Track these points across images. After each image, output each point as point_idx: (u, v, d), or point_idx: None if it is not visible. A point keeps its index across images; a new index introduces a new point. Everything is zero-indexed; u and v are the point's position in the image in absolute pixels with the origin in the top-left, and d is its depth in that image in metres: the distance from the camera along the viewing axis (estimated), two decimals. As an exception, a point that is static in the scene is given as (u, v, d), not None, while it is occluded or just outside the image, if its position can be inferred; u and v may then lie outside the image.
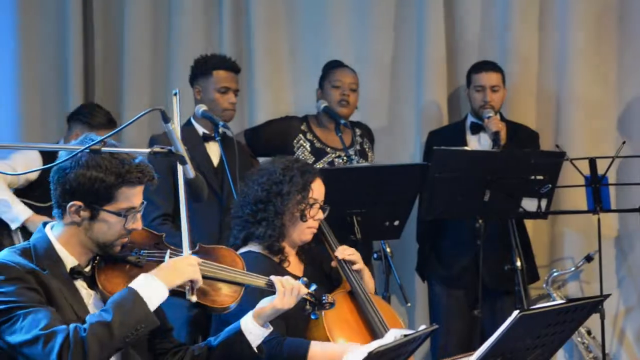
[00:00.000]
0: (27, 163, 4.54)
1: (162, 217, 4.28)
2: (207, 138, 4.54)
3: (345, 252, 3.65)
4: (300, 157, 4.92)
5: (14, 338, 2.65)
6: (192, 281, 2.80)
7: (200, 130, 4.57)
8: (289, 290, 3.00)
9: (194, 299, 2.81)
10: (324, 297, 3.09)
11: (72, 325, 2.63)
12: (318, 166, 4.89)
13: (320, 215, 3.59)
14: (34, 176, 4.74)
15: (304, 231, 3.57)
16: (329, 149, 5.01)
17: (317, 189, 3.58)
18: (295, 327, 3.41)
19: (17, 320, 2.63)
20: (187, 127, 4.51)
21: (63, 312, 2.71)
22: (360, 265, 3.66)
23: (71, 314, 2.73)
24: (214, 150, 4.55)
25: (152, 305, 2.72)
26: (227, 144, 4.50)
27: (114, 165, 2.74)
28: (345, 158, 4.90)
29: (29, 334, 2.61)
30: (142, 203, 2.83)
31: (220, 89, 4.56)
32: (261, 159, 4.70)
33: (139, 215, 2.84)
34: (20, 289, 2.66)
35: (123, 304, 2.68)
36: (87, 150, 2.65)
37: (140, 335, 2.72)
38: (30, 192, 4.77)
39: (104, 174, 2.73)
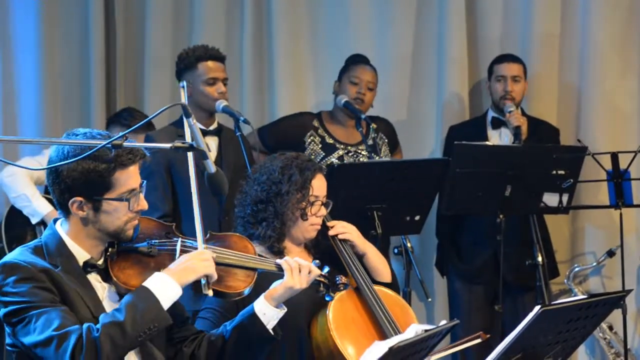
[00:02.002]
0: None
1: (162, 218, 4.25)
2: (204, 133, 4.50)
3: (337, 228, 3.59)
4: (311, 152, 4.91)
5: (28, 339, 2.66)
6: (207, 276, 2.80)
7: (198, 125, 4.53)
8: (296, 268, 2.99)
9: (210, 293, 2.81)
10: (337, 278, 3.09)
11: (85, 325, 2.64)
12: (326, 161, 4.88)
13: (323, 212, 3.54)
14: None
15: (307, 229, 3.53)
16: (339, 144, 5.00)
17: (318, 186, 3.52)
18: (298, 336, 3.39)
19: (31, 320, 2.64)
20: (180, 123, 4.42)
21: (77, 310, 2.71)
22: (347, 235, 3.58)
23: (85, 311, 2.73)
24: (211, 145, 4.51)
25: (165, 304, 2.72)
26: (225, 139, 4.49)
27: (103, 153, 2.71)
28: (354, 154, 4.89)
29: (42, 335, 2.62)
30: (142, 182, 2.82)
31: (208, 81, 4.47)
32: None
33: (141, 195, 2.82)
34: (33, 289, 2.67)
35: (136, 303, 2.69)
36: (109, 146, 2.65)
37: (153, 335, 2.72)
38: None
39: (94, 163, 2.71)
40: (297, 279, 2.98)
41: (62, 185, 2.74)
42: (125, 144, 2.67)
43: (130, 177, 2.77)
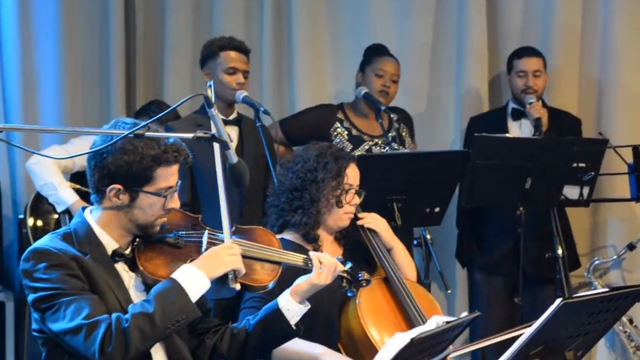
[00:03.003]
0: (85, 149, 4.57)
1: (180, 208, 4.26)
2: (224, 123, 4.48)
3: (366, 220, 3.64)
4: (338, 145, 4.91)
5: (57, 326, 2.67)
6: (235, 270, 2.81)
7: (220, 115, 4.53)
8: (326, 266, 3.00)
9: (237, 287, 2.81)
10: (359, 275, 3.10)
11: (114, 315, 2.65)
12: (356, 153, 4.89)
13: (357, 200, 3.58)
14: None
15: (341, 217, 3.56)
16: (366, 136, 5.00)
17: (352, 174, 3.56)
18: (328, 314, 3.41)
19: (60, 307, 2.66)
20: (202, 112, 4.44)
21: (105, 298, 2.73)
22: (373, 225, 3.64)
23: (113, 299, 2.75)
24: (231, 135, 4.50)
25: (194, 296, 2.74)
26: (246, 129, 4.50)
27: (150, 147, 2.76)
28: (381, 145, 4.89)
29: (71, 323, 2.64)
30: (178, 182, 2.85)
31: (228, 70, 4.48)
32: (296, 149, 4.69)
33: (175, 194, 2.85)
34: (63, 276, 2.69)
35: (165, 295, 2.70)
36: (131, 135, 2.66)
37: (181, 326, 2.74)
38: (86, 179, 4.83)
39: (141, 156, 2.75)
40: (323, 276, 3.00)
41: (105, 171, 2.77)
42: (147, 134, 2.68)
43: (170, 175, 2.81)
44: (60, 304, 2.66)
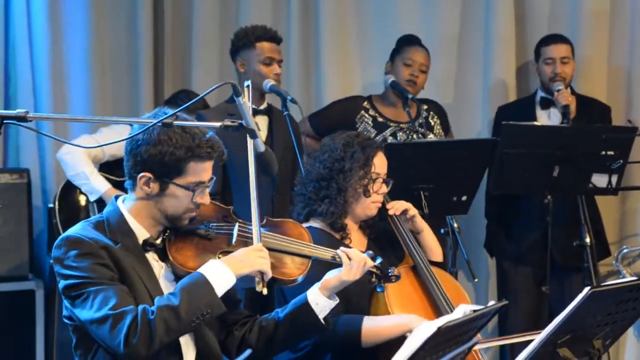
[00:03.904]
0: (114, 139, 4.60)
1: (210, 197, 4.27)
2: (254, 112, 4.52)
3: (395, 207, 3.63)
4: (362, 132, 4.91)
5: (84, 314, 2.70)
6: (262, 272, 2.81)
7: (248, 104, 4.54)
8: (355, 262, 3.01)
9: (264, 291, 2.80)
10: (389, 270, 3.10)
11: (140, 307, 2.67)
12: (379, 139, 4.88)
13: (384, 189, 3.57)
14: (121, 153, 4.82)
15: (369, 206, 3.56)
16: (390, 122, 4.99)
17: (379, 163, 3.56)
18: (359, 303, 3.41)
19: (89, 296, 2.68)
20: (232, 101, 4.46)
21: (134, 288, 2.75)
22: (413, 211, 3.64)
23: (142, 289, 2.77)
24: (261, 125, 4.52)
25: (220, 291, 2.74)
26: (276, 119, 4.50)
27: (185, 139, 2.77)
28: (406, 131, 4.88)
29: (98, 313, 2.66)
30: (212, 179, 2.86)
31: (265, 61, 4.49)
32: (324, 138, 4.69)
33: (207, 190, 2.86)
34: (94, 265, 2.71)
35: (191, 289, 2.71)
36: (160, 124, 2.67)
37: (205, 321, 2.75)
38: (116, 169, 4.87)
39: (174, 147, 2.76)
40: (352, 272, 3.00)
41: (138, 158, 2.79)
42: (176, 122, 2.69)
43: (203, 170, 2.82)
44: (88, 293, 2.68)
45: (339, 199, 3.50)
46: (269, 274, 2.82)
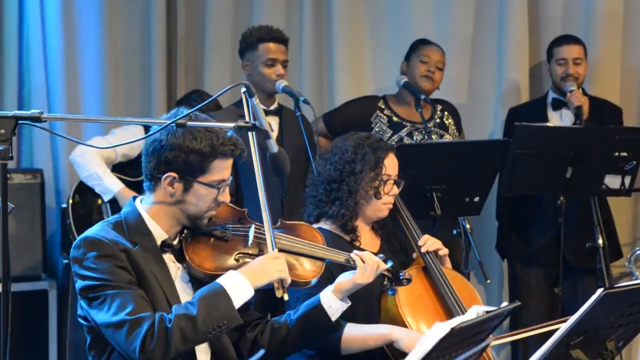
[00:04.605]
0: (127, 139, 4.61)
1: None
2: (265, 113, 4.48)
3: (428, 244, 3.59)
4: (378, 131, 4.91)
5: (100, 317, 2.70)
6: (281, 279, 2.81)
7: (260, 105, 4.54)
8: (369, 265, 3.02)
9: (286, 297, 2.81)
10: (401, 274, 3.11)
11: (157, 314, 2.67)
12: (395, 139, 4.88)
13: (395, 191, 3.56)
14: (133, 153, 4.86)
15: (380, 207, 3.55)
16: (406, 122, 4.99)
17: (390, 165, 3.55)
18: (368, 304, 3.41)
19: (106, 299, 2.68)
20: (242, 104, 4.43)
21: (152, 291, 2.75)
22: (444, 250, 3.61)
23: (159, 293, 2.77)
24: (272, 125, 4.52)
25: (237, 303, 2.74)
26: (286, 119, 4.50)
27: (209, 138, 2.77)
28: (423, 131, 4.88)
29: (115, 317, 2.66)
30: (230, 177, 2.86)
31: (267, 62, 4.50)
32: (335, 139, 4.68)
33: (227, 189, 2.87)
34: (112, 267, 2.71)
35: (209, 299, 2.71)
36: (174, 125, 2.68)
37: (222, 332, 2.76)
38: (128, 169, 4.89)
39: (199, 145, 2.77)
40: (366, 275, 3.01)
41: (162, 158, 2.79)
42: (189, 123, 2.70)
43: (225, 168, 2.83)
44: (106, 296, 2.68)
45: (349, 201, 3.50)
46: (288, 280, 2.83)
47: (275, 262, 2.81)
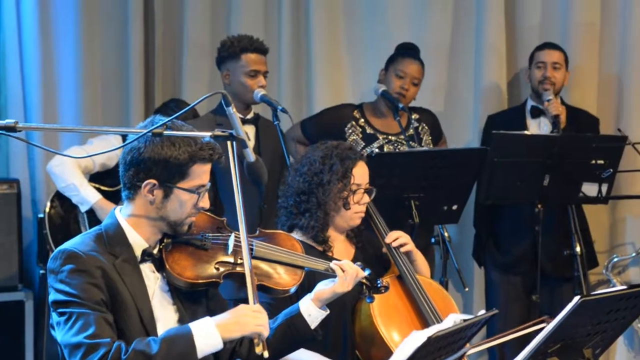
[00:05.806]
0: (105, 149, 4.58)
1: None
2: (242, 122, 4.47)
3: (393, 237, 3.62)
4: (352, 141, 4.90)
5: (62, 336, 2.68)
6: (258, 335, 2.76)
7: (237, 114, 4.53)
8: (349, 274, 3.01)
9: (266, 354, 2.74)
10: (378, 281, 3.10)
11: (116, 344, 2.63)
12: (367, 151, 4.87)
13: (366, 199, 3.55)
14: (111, 163, 4.83)
15: (352, 217, 3.54)
16: (379, 134, 4.98)
17: (360, 174, 3.53)
18: (341, 312, 3.40)
19: (71, 317, 2.66)
20: (219, 110, 4.39)
21: (127, 310, 2.73)
22: (409, 246, 3.62)
23: (134, 313, 2.74)
24: (249, 134, 4.50)
25: (201, 352, 2.69)
26: (263, 128, 4.50)
27: (187, 144, 2.76)
28: (395, 143, 4.87)
29: (75, 338, 2.64)
30: (208, 182, 2.86)
31: (250, 73, 4.47)
32: (305, 148, 4.68)
33: (206, 194, 2.86)
34: (85, 284, 2.68)
35: (174, 342, 2.67)
36: (150, 134, 2.67)
37: None
38: (106, 178, 4.87)
39: (178, 152, 2.75)
40: (346, 284, 3.00)
41: (141, 166, 2.77)
42: (166, 132, 2.69)
43: (204, 173, 2.82)
44: (72, 313, 2.66)
45: (319, 213, 3.49)
46: (265, 335, 2.76)
47: (255, 316, 2.75)
